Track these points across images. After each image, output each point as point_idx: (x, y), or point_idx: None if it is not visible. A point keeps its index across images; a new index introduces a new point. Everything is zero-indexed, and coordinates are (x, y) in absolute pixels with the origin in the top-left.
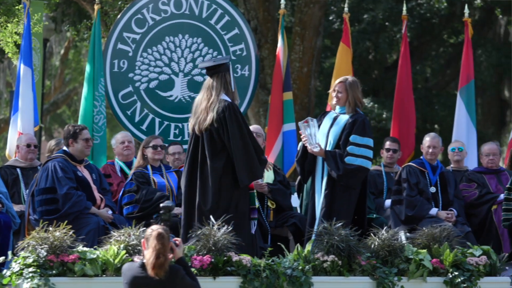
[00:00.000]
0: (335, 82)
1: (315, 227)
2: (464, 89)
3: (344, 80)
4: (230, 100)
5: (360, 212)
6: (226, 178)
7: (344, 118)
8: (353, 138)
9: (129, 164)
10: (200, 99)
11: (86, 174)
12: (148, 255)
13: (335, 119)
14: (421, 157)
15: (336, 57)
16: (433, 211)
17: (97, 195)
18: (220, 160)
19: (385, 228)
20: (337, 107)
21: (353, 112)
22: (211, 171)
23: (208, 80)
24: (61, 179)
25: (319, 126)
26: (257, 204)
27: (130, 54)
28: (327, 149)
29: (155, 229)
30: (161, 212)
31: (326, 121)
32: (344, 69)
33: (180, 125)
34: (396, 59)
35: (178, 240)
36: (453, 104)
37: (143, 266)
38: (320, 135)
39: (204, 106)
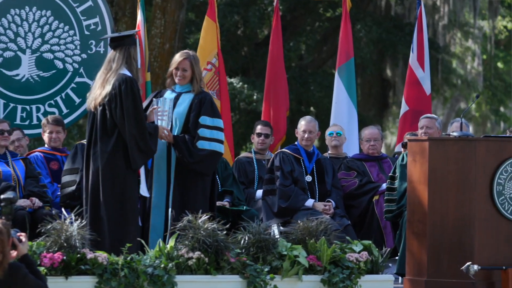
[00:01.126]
0: (176, 59)
1: (169, 219)
2: (343, 67)
3: (188, 56)
4: (130, 75)
5: (211, 201)
6: (117, 160)
7: (188, 97)
8: (202, 119)
9: None
10: (100, 73)
11: None
12: None
13: (176, 99)
14: (296, 143)
15: (202, 32)
16: (309, 202)
17: None
18: (110, 140)
19: (256, 221)
20: (177, 85)
21: (199, 90)
22: (100, 152)
23: (111, 54)
24: None
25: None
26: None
27: None
28: (174, 133)
29: None
30: (1, 204)
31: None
32: (209, 45)
33: (27, 107)
34: (268, 35)
35: (23, 235)
36: (331, 84)
37: None
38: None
39: (102, 80)
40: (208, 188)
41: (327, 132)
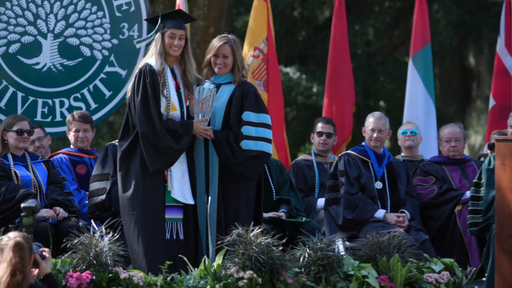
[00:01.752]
0: (214, 44)
1: (212, 228)
2: (419, 55)
3: (227, 40)
4: (150, 64)
5: (256, 209)
6: (133, 162)
7: (228, 89)
8: (246, 115)
9: None
10: None
11: None
12: (2, 271)
13: (218, 89)
14: (363, 143)
15: (251, 14)
16: (380, 213)
17: None
18: (128, 139)
19: (317, 235)
20: (216, 75)
21: (240, 80)
22: (119, 153)
23: None
24: None
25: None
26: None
27: None
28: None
29: (12, 237)
30: (22, 214)
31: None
32: (260, 29)
33: (49, 101)
34: (329, 17)
35: (46, 251)
36: (404, 74)
37: None
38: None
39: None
40: (253, 195)
41: (400, 130)
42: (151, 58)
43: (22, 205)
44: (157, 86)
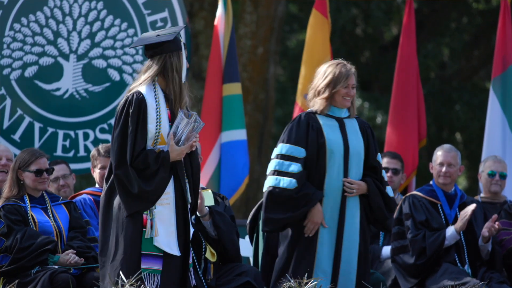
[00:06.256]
0: (342, 72)
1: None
2: (499, 79)
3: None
4: (140, 92)
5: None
6: (113, 203)
7: (353, 124)
8: (380, 158)
9: None
10: None
11: None
12: None
13: (342, 124)
14: (431, 182)
15: (307, 31)
16: (450, 230)
17: None
18: (110, 178)
19: None
20: (335, 108)
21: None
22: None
23: (146, 63)
24: None
25: (306, 139)
26: (171, 249)
27: None
28: (353, 176)
29: None
30: None
31: (331, 130)
32: (318, 49)
33: (72, 133)
34: (397, 35)
35: None
36: (484, 102)
37: None
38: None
39: None
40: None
41: (487, 169)
42: (148, 86)
43: None
44: (145, 118)
